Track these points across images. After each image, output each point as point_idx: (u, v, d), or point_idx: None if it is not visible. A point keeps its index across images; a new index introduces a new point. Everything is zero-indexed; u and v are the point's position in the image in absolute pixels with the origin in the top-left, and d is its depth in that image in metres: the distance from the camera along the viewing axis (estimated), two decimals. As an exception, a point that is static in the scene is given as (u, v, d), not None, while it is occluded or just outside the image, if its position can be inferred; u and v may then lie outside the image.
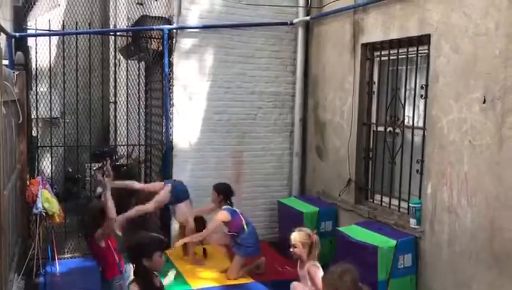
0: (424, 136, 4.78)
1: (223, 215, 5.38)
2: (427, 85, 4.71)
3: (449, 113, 4.36)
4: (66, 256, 5.93)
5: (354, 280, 2.98)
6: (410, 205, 4.80)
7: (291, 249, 4.30)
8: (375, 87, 5.61)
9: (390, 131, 5.36)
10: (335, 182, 6.08)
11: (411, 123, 5.05)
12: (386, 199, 5.42)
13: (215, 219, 5.38)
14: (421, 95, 4.85)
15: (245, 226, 5.41)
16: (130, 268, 3.30)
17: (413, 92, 5.02)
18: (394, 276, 4.56)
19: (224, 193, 5.56)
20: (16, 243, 5.21)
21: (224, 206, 5.49)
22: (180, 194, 5.79)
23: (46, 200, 5.30)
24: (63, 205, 5.74)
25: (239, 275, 5.30)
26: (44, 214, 5.29)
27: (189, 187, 6.21)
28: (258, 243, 5.52)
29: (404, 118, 5.19)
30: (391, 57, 5.30)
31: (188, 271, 5.37)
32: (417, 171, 4.91)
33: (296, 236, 4.30)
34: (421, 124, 4.89)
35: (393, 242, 4.60)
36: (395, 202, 5.27)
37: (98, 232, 3.73)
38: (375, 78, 5.61)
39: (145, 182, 7.16)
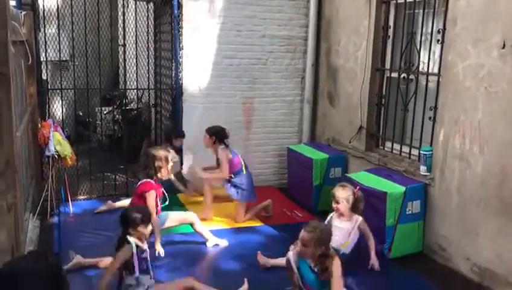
0: (438, 82, 4.68)
1: (224, 152, 5.31)
2: (444, 29, 4.56)
3: (466, 58, 4.24)
4: (79, 198, 6.05)
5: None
6: (421, 152, 4.78)
7: (334, 205, 4.21)
8: (390, 32, 5.45)
9: (404, 77, 5.26)
10: (346, 129, 6.05)
11: (426, 69, 4.94)
12: (397, 146, 5.39)
13: (222, 160, 5.31)
14: (438, 40, 4.71)
15: (243, 168, 5.40)
16: None
17: (429, 37, 4.88)
18: (402, 222, 4.61)
19: (216, 135, 5.39)
20: (30, 185, 5.32)
21: (221, 146, 5.37)
22: None
23: (58, 143, 5.35)
24: (74, 148, 5.80)
25: (246, 218, 5.37)
26: (56, 156, 5.36)
27: (198, 133, 6.22)
28: (253, 189, 5.46)
29: (419, 64, 5.07)
30: (408, 0, 5.11)
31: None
32: (430, 118, 4.85)
33: (339, 193, 4.21)
34: (436, 70, 4.78)
35: (402, 188, 4.62)
36: (406, 149, 5.25)
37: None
38: (391, 22, 5.44)
39: (156, 127, 7.18)
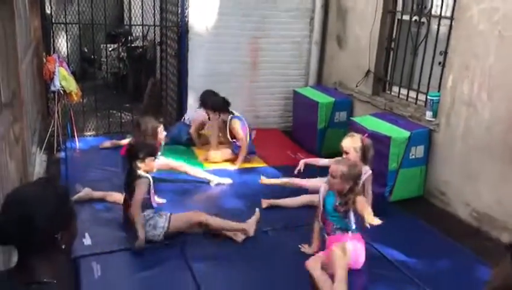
0: (450, 26, 4.57)
1: (237, 124, 5.26)
2: (461, -30, 4.39)
3: (481, 1, 4.11)
4: (85, 134, 6.10)
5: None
6: (428, 97, 4.74)
7: (343, 156, 4.11)
8: (404, -28, 5.27)
9: (415, 20, 5.12)
10: (353, 72, 5.98)
11: (438, 12, 4.81)
12: (404, 91, 5.35)
13: (238, 131, 5.25)
14: (453, -18, 4.55)
15: (249, 135, 5.38)
16: None
17: (444, -22, 4.71)
18: (404, 166, 4.65)
19: (217, 108, 5.29)
20: (36, 119, 5.36)
21: (229, 117, 5.30)
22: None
23: (64, 78, 5.33)
24: (80, 85, 5.78)
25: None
26: (62, 92, 5.36)
27: (204, 73, 6.18)
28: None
29: (431, 7, 4.93)
30: None
31: (202, 155, 5.50)
32: (439, 63, 4.77)
33: (347, 142, 4.12)
34: (448, 14, 4.65)
35: (406, 133, 4.62)
36: (412, 94, 5.20)
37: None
38: (405, -38, 5.24)
39: (161, 65, 7.11)
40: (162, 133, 4.57)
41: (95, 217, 3.96)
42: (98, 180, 4.65)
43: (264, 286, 3.20)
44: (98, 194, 4.25)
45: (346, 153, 4.10)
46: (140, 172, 3.56)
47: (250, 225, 3.78)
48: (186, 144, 5.76)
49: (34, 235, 1.45)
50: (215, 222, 3.71)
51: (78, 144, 5.58)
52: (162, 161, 4.60)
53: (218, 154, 5.40)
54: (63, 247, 1.52)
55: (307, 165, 4.50)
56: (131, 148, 3.63)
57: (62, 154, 5.39)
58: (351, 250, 3.23)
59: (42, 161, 5.09)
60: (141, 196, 3.49)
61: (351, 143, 4.11)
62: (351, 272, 3.19)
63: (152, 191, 3.60)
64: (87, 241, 3.57)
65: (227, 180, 4.87)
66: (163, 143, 4.75)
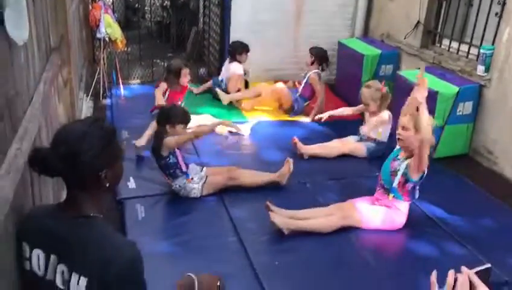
0: (511, -26, 4.27)
1: (317, 77, 5.35)
2: None
3: None
4: (129, 82, 6.20)
5: None
6: (481, 50, 4.51)
7: (363, 106, 4.44)
8: None
9: (472, -32, 4.82)
10: (402, 24, 5.73)
11: (499, -41, 4.49)
12: (454, 44, 5.10)
13: (315, 84, 5.32)
14: None
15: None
16: None
17: None
18: (450, 122, 4.51)
19: (318, 57, 5.39)
20: (83, 66, 5.47)
21: (317, 70, 5.38)
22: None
23: (109, 25, 5.38)
24: (124, 33, 5.82)
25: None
26: (107, 39, 5.42)
27: (247, 22, 6.08)
28: None
29: (491, -47, 4.61)
30: None
31: (245, 108, 5.51)
32: (496, 14, 4.49)
33: (365, 93, 4.34)
34: (510, -40, 4.33)
35: (455, 88, 4.45)
36: (464, 48, 4.96)
37: None
38: None
39: (204, 14, 7.04)
40: (186, 76, 4.77)
41: (140, 162, 4.08)
42: (142, 126, 4.74)
43: (303, 235, 3.24)
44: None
45: (366, 104, 4.32)
46: (167, 138, 3.42)
47: (283, 175, 3.77)
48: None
49: (78, 171, 1.51)
50: (248, 177, 3.73)
51: (123, 91, 5.70)
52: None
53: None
54: (107, 185, 1.57)
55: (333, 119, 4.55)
56: (165, 111, 3.51)
57: (108, 100, 5.52)
58: (362, 212, 3.29)
59: (89, 107, 5.24)
60: (175, 142, 3.42)
61: (369, 94, 4.31)
62: (393, 232, 3.27)
63: (180, 156, 3.52)
64: (131, 184, 3.70)
65: (247, 129, 4.87)
66: (188, 86, 5.01)
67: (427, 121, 3.01)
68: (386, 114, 4.36)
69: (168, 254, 2.99)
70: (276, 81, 5.79)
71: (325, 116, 4.63)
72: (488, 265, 1.30)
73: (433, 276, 1.29)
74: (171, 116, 3.41)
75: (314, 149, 4.40)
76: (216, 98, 5.61)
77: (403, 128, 3.23)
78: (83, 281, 1.44)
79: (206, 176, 3.63)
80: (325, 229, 3.21)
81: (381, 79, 5.66)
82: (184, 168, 3.54)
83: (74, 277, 1.46)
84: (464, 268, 1.27)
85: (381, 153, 4.36)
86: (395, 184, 3.24)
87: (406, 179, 3.20)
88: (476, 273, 1.26)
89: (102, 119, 1.63)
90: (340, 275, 2.90)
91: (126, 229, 3.17)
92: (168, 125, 3.40)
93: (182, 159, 3.53)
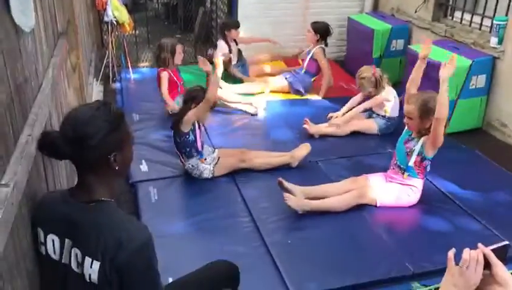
0: None
1: (322, 53, 5.21)
2: None
3: None
4: (139, 65, 6.19)
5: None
6: (494, 22, 4.41)
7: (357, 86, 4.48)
8: None
9: None
10: (412, -3, 5.62)
11: None
12: (467, 17, 5.00)
13: (321, 60, 5.20)
14: None
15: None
16: None
17: None
18: (464, 96, 4.45)
19: (321, 32, 5.21)
20: (92, 50, 5.47)
21: (320, 46, 5.23)
22: None
23: (116, 9, 5.34)
24: (132, 16, 5.79)
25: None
26: (115, 22, 5.40)
27: (255, 7, 6.00)
28: None
29: None
30: None
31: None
32: (509, -16, 4.38)
33: (364, 84, 4.35)
34: None
35: (467, 62, 4.37)
36: (477, 20, 4.86)
37: None
38: None
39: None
40: (181, 53, 4.67)
41: (152, 145, 4.09)
42: (153, 109, 4.76)
43: (315, 213, 3.24)
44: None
45: (368, 93, 4.38)
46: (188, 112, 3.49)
47: (295, 157, 3.73)
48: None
49: (87, 154, 1.51)
50: (260, 159, 3.73)
51: (132, 74, 5.69)
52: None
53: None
54: (117, 168, 1.58)
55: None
56: (191, 91, 3.58)
57: (118, 84, 5.53)
58: (376, 191, 3.30)
59: (99, 91, 5.24)
60: (193, 114, 3.47)
61: (368, 84, 4.31)
62: (407, 209, 3.28)
63: (198, 135, 3.55)
64: (144, 167, 3.72)
65: (262, 104, 4.85)
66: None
67: (445, 101, 2.96)
68: (385, 93, 4.32)
69: (181, 235, 3.02)
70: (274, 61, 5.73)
71: (340, 122, 4.44)
72: (506, 242, 1.29)
73: (451, 252, 1.29)
74: (196, 97, 3.49)
75: (324, 128, 4.38)
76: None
77: (408, 117, 3.20)
78: (96, 264, 1.46)
79: (218, 158, 3.64)
80: (339, 208, 3.22)
81: (392, 54, 5.66)
82: (200, 148, 3.58)
83: (87, 260, 1.48)
84: (480, 245, 1.26)
85: (392, 128, 4.33)
86: (411, 163, 3.22)
87: (422, 158, 3.18)
88: (493, 250, 1.24)
89: (109, 103, 1.63)
90: (354, 252, 2.91)
91: (140, 212, 3.20)
92: (194, 104, 3.48)
93: (200, 137, 3.57)
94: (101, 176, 1.58)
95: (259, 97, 5.06)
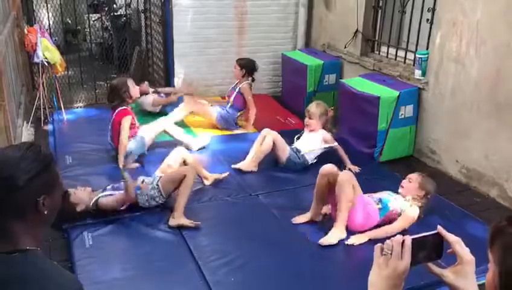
0: (438, -19, 4.49)
1: (249, 88, 5.34)
2: None
3: (468, -46, 4.03)
4: (73, 106, 6.02)
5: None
6: (416, 55, 4.70)
7: (306, 120, 4.47)
8: None
9: (403, -23, 5.02)
10: (341, 34, 5.89)
11: (426, -32, 4.71)
12: (392, 51, 5.30)
13: (248, 96, 5.30)
14: None
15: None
16: None
17: None
18: (394, 126, 4.65)
19: (247, 68, 5.35)
20: (21, 92, 5.27)
21: (247, 81, 5.35)
22: None
23: (46, 49, 5.22)
24: (65, 58, 5.66)
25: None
26: (46, 63, 5.25)
27: (190, 39, 6.08)
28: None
29: (419, -38, 4.83)
30: None
31: (192, 124, 5.45)
32: (427, 20, 4.70)
33: (313, 109, 4.41)
34: (436, -31, 4.56)
35: (395, 93, 4.60)
36: (401, 54, 5.15)
37: None
38: None
39: (146, 34, 6.98)
40: (135, 86, 4.42)
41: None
42: (86, 151, 4.61)
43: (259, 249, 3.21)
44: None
45: (310, 118, 4.43)
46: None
47: (181, 221, 3.46)
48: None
49: (14, 196, 1.42)
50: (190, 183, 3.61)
51: (65, 116, 5.51)
52: (148, 134, 4.54)
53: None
54: (45, 213, 1.49)
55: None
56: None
57: (50, 126, 5.33)
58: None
59: (29, 135, 5.03)
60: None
61: (317, 110, 4.40)
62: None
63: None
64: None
65: (206, 140, 4.84)
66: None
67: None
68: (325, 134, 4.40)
69: (119, 281, 2.88)
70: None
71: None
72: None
73: (378, 245, 1.18)
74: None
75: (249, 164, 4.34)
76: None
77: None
78: None
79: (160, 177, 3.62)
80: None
81: (325, 89, 5.86)
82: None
83: None
84: (406, 237, 1.16)
85: (299, 167, 4.34)
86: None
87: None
88: (425, 237, 1.16)
89: (38, 145, 1.56)
90: (301, 284, 2.89)
91: (73, 259, 3.04)
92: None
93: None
94: (26, 222, 1.47)
95: (203, 135, 5.01)
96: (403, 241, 1.13)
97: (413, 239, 1.14)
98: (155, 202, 3.54)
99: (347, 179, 3.31)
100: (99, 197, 3.44)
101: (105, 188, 3.53)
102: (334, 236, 3.23)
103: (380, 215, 3.38)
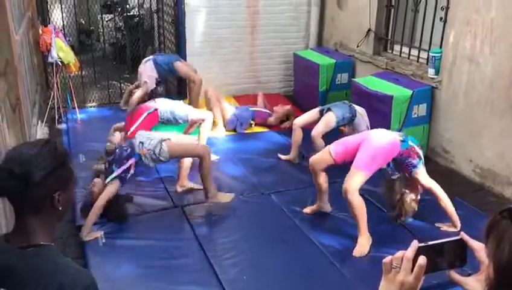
0: (452, -21, 4.45)
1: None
2: None
3: (483, -48, 3.98)
4: (86, 105, 6.08)
5: None
6: (430, 54, 4.66)
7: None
8: None
9: (416, -25, 4.99)
10: (354, 33, 5.87)
11: (440, -34, 4.67)
12: (405, 50, 5.26)
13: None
14: None
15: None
16: None
17: None
18: (407, 125, 4.61)
19: None
20: (36, 91, 5.33)
21: None
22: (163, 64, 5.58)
23: (61, 49, 5.27)
24: (78, 57, 5.72)
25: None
26: (60, 63, 5.31)
27: (203, 39, 6.10)
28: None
29: (432, -40, 4.79)
30: None
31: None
32: (441, 19, 4.66)
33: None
34: (450, -33, 4.52)
35: (408, 92, 4.56)
36: (414, 52, 5.11)
37: None
38: None
39: (159, 34, 7.02)
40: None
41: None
42: (99, 150, 4.64)
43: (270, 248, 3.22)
44: None
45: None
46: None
47: (219, 197, 3.61)
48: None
49: (31, 191, 1.44)
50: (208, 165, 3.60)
51: (79, 115, 5.57)
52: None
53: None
54: (60, 209, 1.51)
55: None
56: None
57: (63, 125, 5.38)
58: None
59: (44, 134, 5.08)
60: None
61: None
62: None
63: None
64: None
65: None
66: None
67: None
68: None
69: (132, 279, 2.91)
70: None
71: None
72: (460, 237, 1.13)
73: (388, 258, 1.09)
74: None
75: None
76: None
77: None
78: None
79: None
80: None
81: (337, 88, 5.84)
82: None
83: None
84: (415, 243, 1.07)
85: None
86: None
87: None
88: (446, 243, 1.09)
89: (54, 141, 1.58)
90: (310, 284, 2.89)
91: (87, 256, 3.07)
92: None
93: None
94: (42, 217, 1.50)
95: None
96: (415, 258, 1.05)
97: (428, 245, 1.07)
98: (160, 161, 3.52)
99: (317, 163, 3.43)
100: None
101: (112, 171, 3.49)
102: (363, 245, 3.20)
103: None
